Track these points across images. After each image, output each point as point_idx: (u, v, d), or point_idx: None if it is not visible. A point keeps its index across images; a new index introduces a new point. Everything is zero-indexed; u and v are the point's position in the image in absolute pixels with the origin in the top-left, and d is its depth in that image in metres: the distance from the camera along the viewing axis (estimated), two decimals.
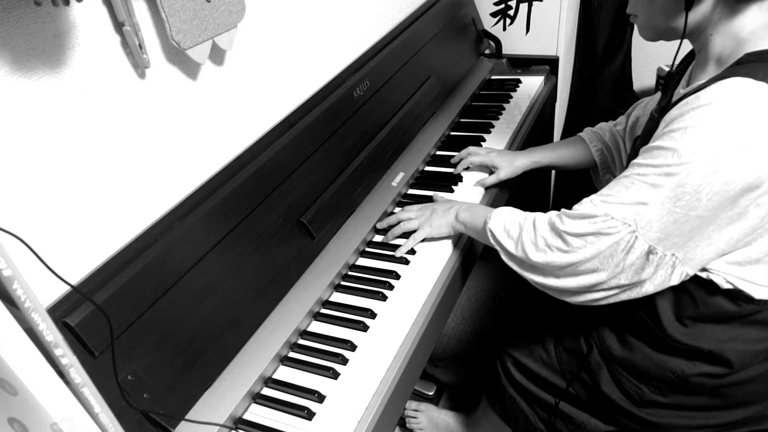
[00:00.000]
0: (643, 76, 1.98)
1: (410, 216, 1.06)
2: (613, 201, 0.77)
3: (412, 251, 1.04)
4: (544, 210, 0.90)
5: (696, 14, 0.78)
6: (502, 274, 1.95)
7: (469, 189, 1.20)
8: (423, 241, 1.06)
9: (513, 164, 1.20)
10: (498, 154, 1.22)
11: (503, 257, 0.92)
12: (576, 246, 0.80)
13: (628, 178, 0.77)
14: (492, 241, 0.93)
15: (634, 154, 0.96)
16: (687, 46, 0.88)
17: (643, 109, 1.13)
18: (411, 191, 1.23)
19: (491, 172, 1.22)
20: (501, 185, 1.22)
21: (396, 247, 1.05)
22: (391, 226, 1.08)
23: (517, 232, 0.88)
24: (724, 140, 0.69)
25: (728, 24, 0.77)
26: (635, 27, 0.92)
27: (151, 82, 0.80)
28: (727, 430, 0.92)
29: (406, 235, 1.06)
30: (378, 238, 1.10)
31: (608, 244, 0.77)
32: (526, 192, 1.67)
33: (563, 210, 0.84)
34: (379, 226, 1.10)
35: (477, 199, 1.18)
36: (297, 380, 0.84)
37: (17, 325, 0.39)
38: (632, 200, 0.75)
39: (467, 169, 1.25)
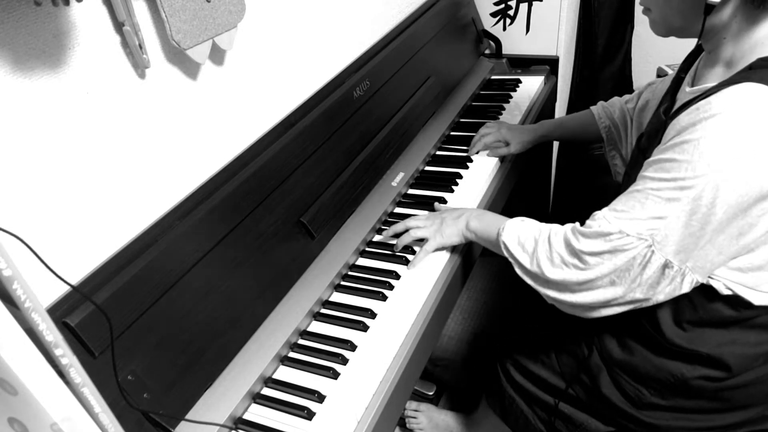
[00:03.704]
0: (643, 76, 1.98)
1: (419, 224, 1.02)
2: (626, 217, 0.76)
3: (412, 251, 1.04)
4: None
5: (714, 19, 0.76)
6: (502, 274, 1.95)
7: (470, 187, 1.20)
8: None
9: (522, 140, 1.28)
10: (508, 129, 1.29)
11: (517, 271, 0.89)
12: (592, 264, 0.79)
13: (641, 192, 0.76)
14: (506, 253, 0.91)
15: (637, 151, 0.96)
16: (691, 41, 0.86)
17: (652, 92, 1.11)
18: (411, 191, 1.23)
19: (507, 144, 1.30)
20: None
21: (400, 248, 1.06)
22: (397, 234, 1.04)
23: (532, 246, 0.86)
24: (739, 152, 0.68)
25: (745, 31, 0.76)
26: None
27: (151, 82, 0.80)
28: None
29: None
30: (378, 238, 1.10)
31: (624, 260, 0.77)
32: (524, 195, 1.67)
33: (577, 227, 0.83)
34: (384, 235, 1.06)
35: (479, 192, 1.20)
36: (297, 380, 0.84)
37: (17, 325, 0.39)
38: (648, 215, 0.74)
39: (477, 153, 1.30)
